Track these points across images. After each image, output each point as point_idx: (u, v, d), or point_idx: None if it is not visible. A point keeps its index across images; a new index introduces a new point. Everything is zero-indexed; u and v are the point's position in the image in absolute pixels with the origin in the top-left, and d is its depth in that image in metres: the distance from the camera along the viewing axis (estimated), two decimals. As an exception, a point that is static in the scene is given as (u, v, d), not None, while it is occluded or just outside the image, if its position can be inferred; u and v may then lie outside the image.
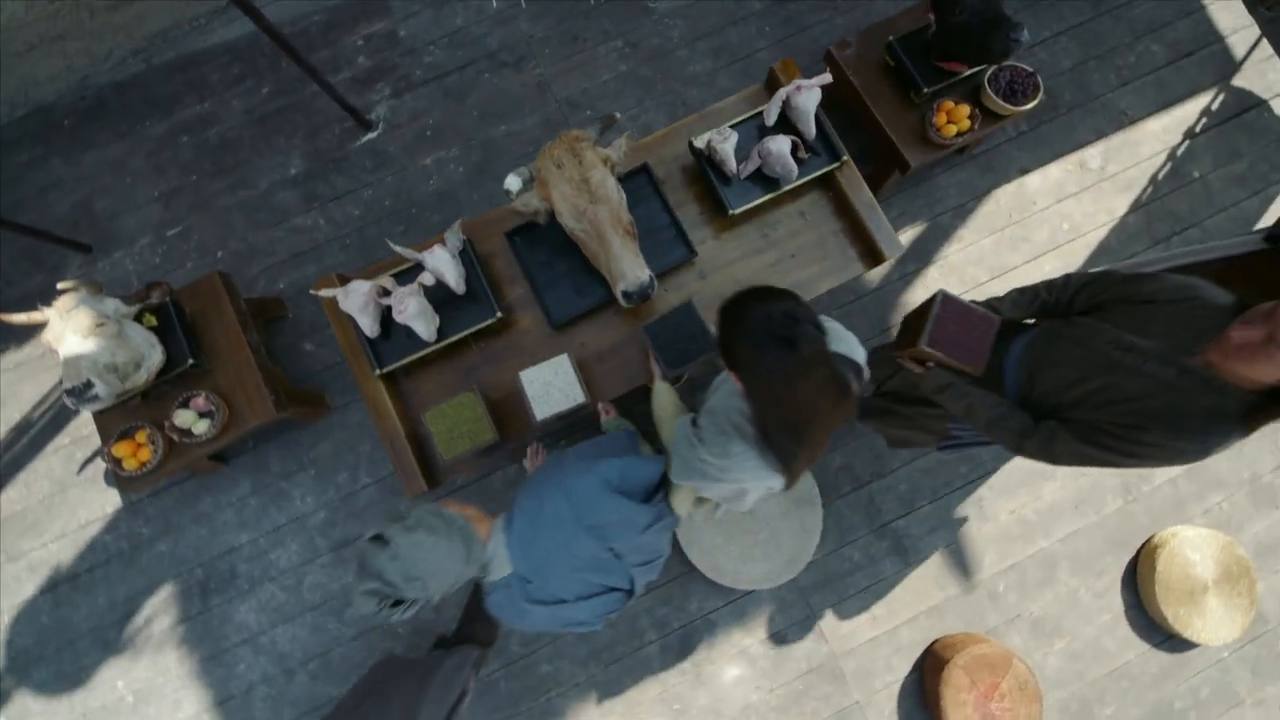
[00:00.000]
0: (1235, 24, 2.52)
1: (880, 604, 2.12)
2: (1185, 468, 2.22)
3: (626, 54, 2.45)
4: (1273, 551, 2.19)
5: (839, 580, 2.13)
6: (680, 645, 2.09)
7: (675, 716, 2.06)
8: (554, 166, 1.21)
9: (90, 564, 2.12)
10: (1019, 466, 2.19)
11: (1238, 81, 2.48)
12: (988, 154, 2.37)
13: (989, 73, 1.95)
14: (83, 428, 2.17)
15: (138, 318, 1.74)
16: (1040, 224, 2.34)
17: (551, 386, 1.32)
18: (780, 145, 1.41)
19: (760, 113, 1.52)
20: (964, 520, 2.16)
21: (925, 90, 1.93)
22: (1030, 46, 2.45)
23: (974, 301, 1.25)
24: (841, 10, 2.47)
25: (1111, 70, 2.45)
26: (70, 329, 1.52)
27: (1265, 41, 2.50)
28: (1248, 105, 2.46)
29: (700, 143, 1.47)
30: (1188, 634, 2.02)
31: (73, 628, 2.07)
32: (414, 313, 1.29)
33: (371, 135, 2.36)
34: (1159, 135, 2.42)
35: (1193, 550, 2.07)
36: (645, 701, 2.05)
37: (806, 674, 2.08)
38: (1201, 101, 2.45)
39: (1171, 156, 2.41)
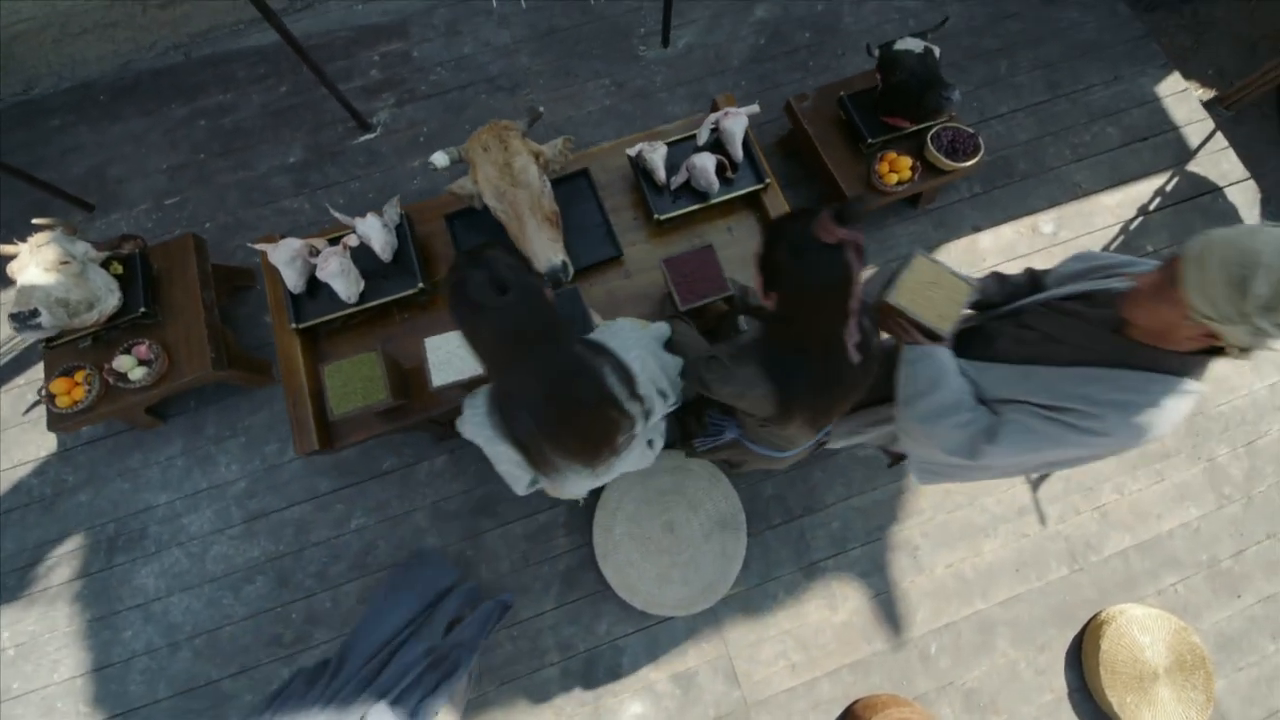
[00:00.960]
0: (1190, 116, 2.67)
1: (801, 651, 1.98)
2: (1138, 542, 2.11)
3: (612, 91, 2.68)
4: (1235, 646, 2.02)
5: (760, 619, 2.01)
6: (584, 671, 1.96)
7: (566, 750, 1.89)
8: (481, 149, 1.32)
9: (10, 505, 2.12)
10: (959, 518, 2.10)
11: (1192, 167, 2.59)
12: (942, 210, 2.47)
13: (933, 131, 2.08)
14: (39, 372, 2.23)
15: (105, 265, 1.85)
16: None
17: (455, 355, 1.35)
18: (705, 161, 1.51)
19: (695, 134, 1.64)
20: (898, 569, 2.05)
21: (870, 141, 2.06)
22: (987, 119, 2.62)
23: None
24: (813, 72, 2.69)
25: (1067, 146, 2.58)
26: (35, 261, 1.63)
27: (1220, 135, 2.64)
28: (1202, 190, 2.55)
29: (633, 152, 1.58)
30: None
31: (-27, 569, 2.03)
32: (335, 270, 1.36)
33: (369, 136, 2.56)
34: (1112, 209, 2.50)
35: (1142, 631, 1.92)
36: (537, 729, 1.90)
37: (714, 720, 1.92)
38: (1156, 182, 2.55)
39: (1125, 230, 2.48)
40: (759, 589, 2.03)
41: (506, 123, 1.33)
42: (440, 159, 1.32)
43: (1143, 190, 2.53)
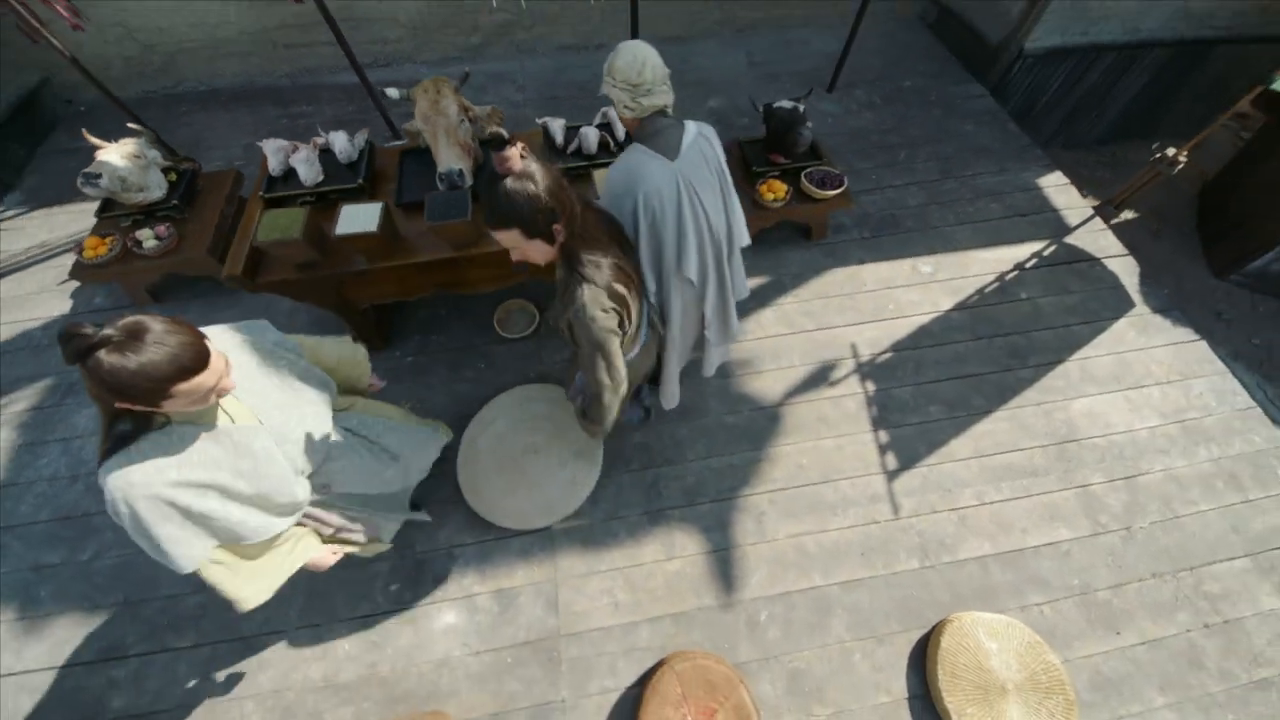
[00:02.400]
0: (1070, 204, 3.09)
1: (629, 592, 1.94)
2: (998, 552, 2.03)
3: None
4: (1114, 689, 1.80)
5: (595, 553, 2.02)
6: (412, 573, 1.99)
7: (369, 647, 1.85)
8: (422, 91, 1.90)
9: (12, 347, 2.56)
10: (810, 492, 2.13)
11: (1071, 240, 2.93)
12: (832, 245, 2.88)
13: (808, 170, 2.59)
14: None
15: (165, 172, 2.52)
16: (868, 300, 2.67)
17: (358, 218, 1.79)
18: (589, 131, 2.05)
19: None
20: (741, 531, 2.05)
21: (755, 169, 2.59)
22: (883, 188, 3.14)
23: None
24: (737, 132, 3.35)
25: (952, 214, 3.02)
26: (117, 149, 2.29)
27: (1099, 219, 3.01)
28: (1079, 258, 2.86)
29: (540, 122, 2.15)
30: None
31: (-43, 387, 2.41)
32: (301, 159, 1.90)
33: (399, 142, 3.36)
34: (988, 261, 2.83)
35: (989, 636, 1.79)
36: (348, 621, 1.89)
37: (521, 646, 1.85)
38: (1033, 247, 2.89)
39: (1000, 279, 2.77)
40: (602, 525, 2.07)
41: (443, 78, 1.93)
42: (393, 92, 1.91)
43: (1020, 252, 2.87)
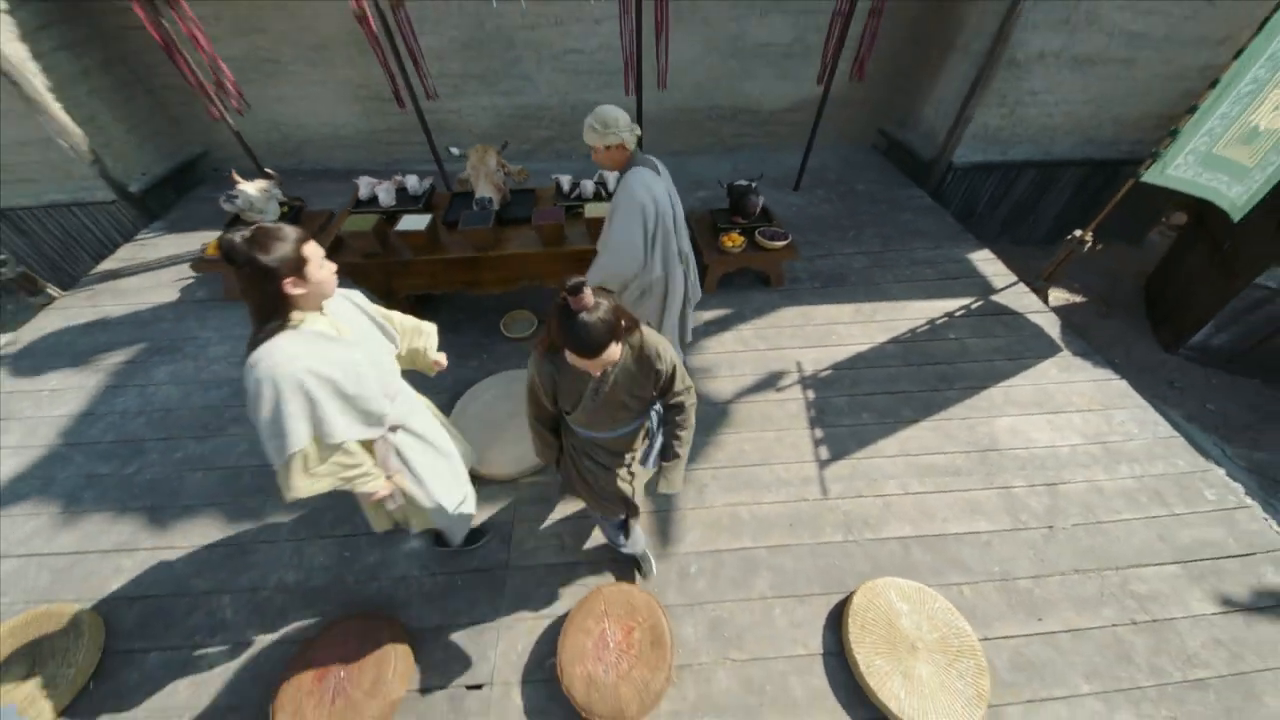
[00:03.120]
0: (997, 273, 3.61)
1: (574, 538, 2.15)
2: (919, 534, 2.17)
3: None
4: (1037, 672, 1.82)
5: (550, 503, 2.27)
6: (392, 508, 2.28)
7: (341, 562, 2.09)
8: (474, 151, 2.73)
9: (123, 319, 3.26)
10: (749, 472, 2.38)
11: (997, 298, 3.40)
12: (789, 291, 3.44)
13: (760, 228, 3.28)
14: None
15: (280, 204, 3.42)
16: (815, 331, 3.13)
17: (413, 223, 2.49)
18: (587, 183, 2.82)
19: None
20: (684, 498, 2.29)
21: (720, 226, 3.30)
22: (833, 254, 3.78)
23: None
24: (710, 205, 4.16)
25: (891, 274, 3.59)
26: (252, 184, 3.20)
27: (1023, 284, 3.50)
28: (1005, 312, 3.30)
29: (553, 177, 2.95)
30: (887, 701, 1.68)
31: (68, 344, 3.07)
32: (383, 189, 2.70)
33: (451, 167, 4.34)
34: (923, 309, 3.29)
35: (901, 598, 1.91)
36: (329, 538, 2.16)
37: (473, 572, 2.05)
38: (963, 301, 3.36)
39: (931, 323, 3.21)
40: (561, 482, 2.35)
41: (489, 145, 2.77)
42: (455, 150, 2.75)
43: (950, 304, 3.34)
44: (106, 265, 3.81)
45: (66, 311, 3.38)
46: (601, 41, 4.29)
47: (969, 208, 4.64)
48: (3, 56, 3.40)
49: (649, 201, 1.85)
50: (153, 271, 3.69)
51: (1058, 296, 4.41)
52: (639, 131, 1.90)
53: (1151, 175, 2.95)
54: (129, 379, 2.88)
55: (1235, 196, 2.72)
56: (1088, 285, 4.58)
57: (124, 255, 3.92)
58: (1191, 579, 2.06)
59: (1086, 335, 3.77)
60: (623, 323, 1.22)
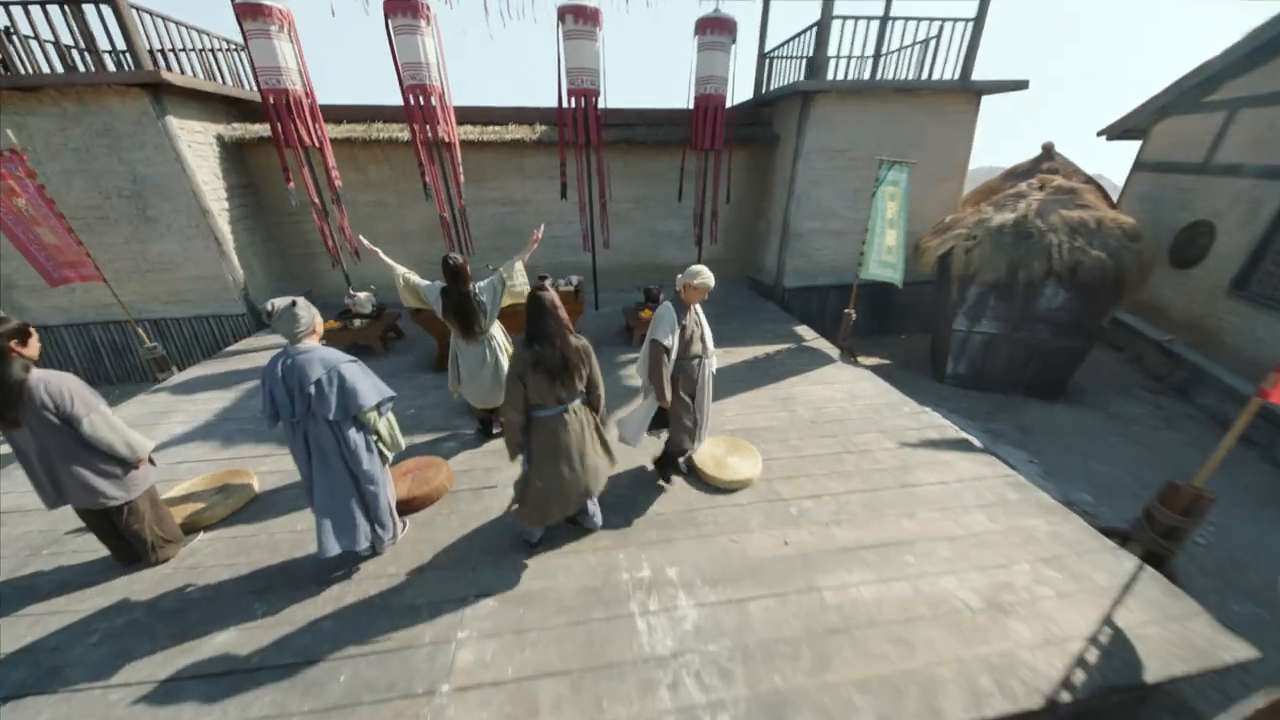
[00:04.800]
0: (810, 335, 5.92)
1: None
2: (744, 427, 3.86)
3: (568, 316, 6.70)
4: (794, 467, 3.40)
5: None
6: (440, 421, 3.83)
7: (428, 439, 3.56)
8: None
9: (251, 374, 4.98)
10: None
11: (806, 345, 5.61)
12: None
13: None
14: (304, 344, 5.60)
15: (374, 305, 5.57)
16: (698, 358, 5.18)
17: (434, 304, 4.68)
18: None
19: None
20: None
21: (639, 308, 5.63)
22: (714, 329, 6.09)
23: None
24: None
25: (748, 335, 5.84)
26: (362, 293, 5.41)
27: (824, 340, 5.78)
28: (808, 349, 5.48)
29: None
30: (727, 478, 3.20)
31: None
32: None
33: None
34: (763, 349, 5.44)
35: (731, 449, 3.54)
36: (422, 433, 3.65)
37: (494, 453, 3.55)
38: (787, 346, 5.56)
39: (768, 355, 5.32)
40: (540, 419, 3.98)
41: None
42: (490, 268, 5.09)
43: (779, 348, 5.53)
44: (234, 348, 5.66)
45: (209, 364, 5.08)
46: (572, 230, 7.28)
47: (806, 317, 7.27)
48: (219, 228, 5.88)
49: (667, 318, 2.76)
50: (270, 350, 5.55)
51: (868, 361, 6.73)
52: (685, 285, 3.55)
53: (862, 275, 5.57)
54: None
55: (896, 278, 5.29)
56: (894, 355, 6.99)
57: (244, 344, 5.80)
58: (887, 437, 3.77)
59: (894, 379, 5.93)
60: (561, 306, 3.28)
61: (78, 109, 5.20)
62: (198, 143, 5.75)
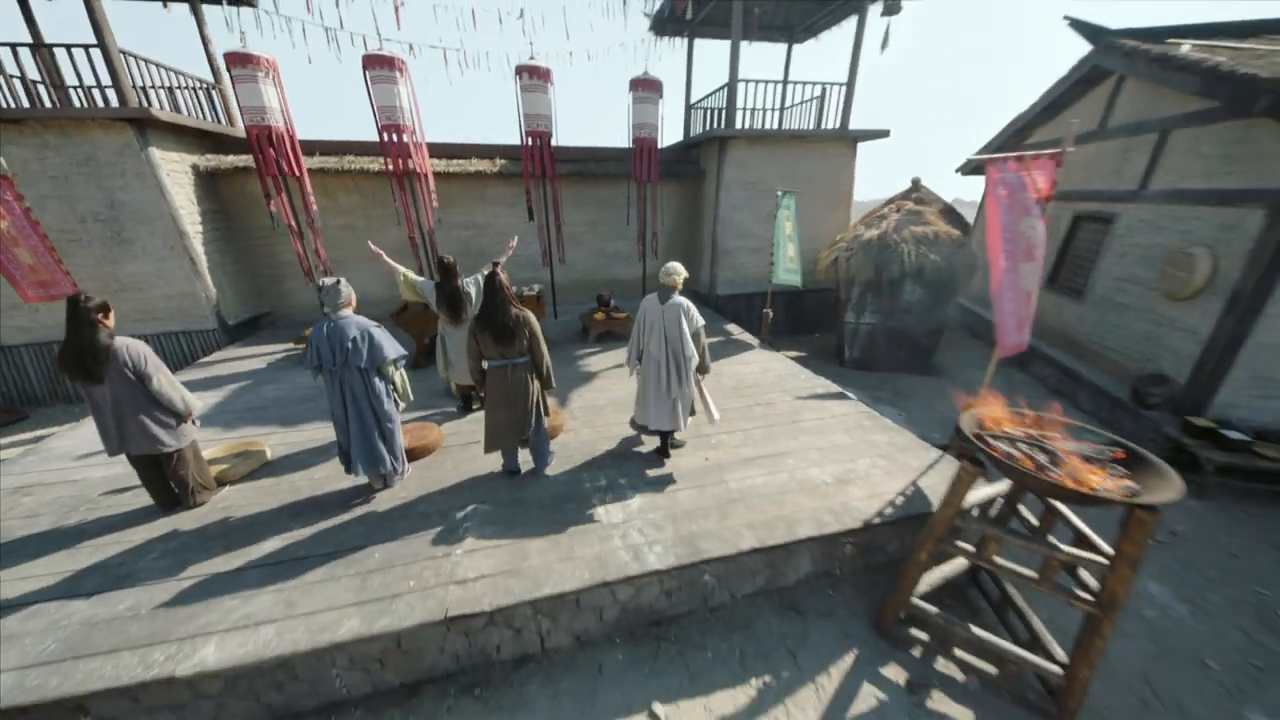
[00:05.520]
0: (737, 330, 7.09)
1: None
2: (680, 395, 4.85)
3: (529, 324, 7.53)
4: (720, 425, 4.40)
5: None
6: (436, 396, 4.52)
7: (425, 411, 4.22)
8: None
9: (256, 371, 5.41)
10: (629, 391, 5.01)
11: (734, 338, 6.76)
12: (632, 340, 6.58)
13: (615, 310, 6.60)
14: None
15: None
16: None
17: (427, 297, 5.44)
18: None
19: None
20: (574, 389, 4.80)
21: (594, 310, 6.58)
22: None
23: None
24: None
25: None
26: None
27: (748, 334, 6.96)
28: (735, 342, 6.62)
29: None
30: None
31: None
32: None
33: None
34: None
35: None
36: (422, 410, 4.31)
37: (476, 422, 4.30)
38: (718, 339, 6.67)
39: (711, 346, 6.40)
40: (511, 396, 4.78)
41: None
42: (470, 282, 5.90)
43: (714, 340, 6.63)
44: (208, 359, 6.00)
45: (188, 372, 5.45)
46: (533, 250, 8.18)
47: (737, 317, 8.52)
48: (195, 249, 6.29)
49: (639, 312, 3.68)
50: (246, 360, 5.96)
51: (789, 354, 8.00)
52: (662, 279, 4.92)
53: (773, 281, 6.85)
54: (248, 390, 4.96)
55: (798, 281, 6.61)
56: (809, 348, 8.32)
57: (216, 357, 6.15)
58: (785, 395, 4.87)
59: (807, 366, 7.15)
60: (511, 290, 4.19)
61: (59, 140, 5.58)
62: (175, 171, 6.21)
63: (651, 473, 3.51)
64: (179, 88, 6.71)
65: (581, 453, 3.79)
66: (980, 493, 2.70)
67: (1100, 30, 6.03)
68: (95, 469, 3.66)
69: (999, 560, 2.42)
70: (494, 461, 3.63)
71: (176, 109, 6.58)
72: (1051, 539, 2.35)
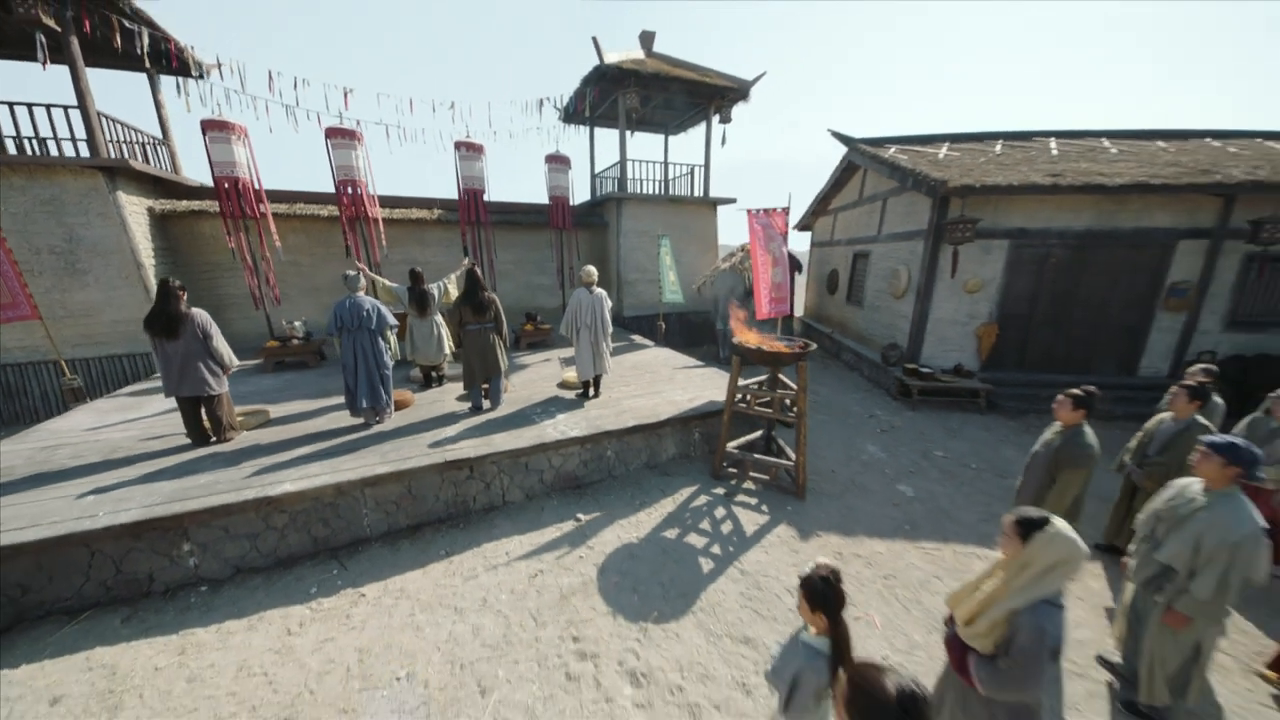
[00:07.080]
0: (647, 342, 9.13)
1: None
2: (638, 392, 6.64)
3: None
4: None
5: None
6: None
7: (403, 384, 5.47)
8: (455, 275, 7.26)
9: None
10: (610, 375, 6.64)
11: (648, 350, 8.78)
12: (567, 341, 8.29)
13: (543, 323, 8.32)
14: (238, 366, 6.83)
15: (305, 336, 7.16)
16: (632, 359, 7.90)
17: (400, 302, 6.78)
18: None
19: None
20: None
21: (523, 326, 8.24)
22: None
23: None
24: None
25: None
26: (297, 324, 7.04)
27: (655, 345, 9.01)
28: (648, 347, 8.63)
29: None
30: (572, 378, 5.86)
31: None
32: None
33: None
34: (619, 350, 8.44)
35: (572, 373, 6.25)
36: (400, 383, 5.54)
37: (438, 390, 5.67)
38: (636, 350, 8.64)
39: (627, 350, 8.32)
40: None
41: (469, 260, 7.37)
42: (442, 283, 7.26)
43: (621, 344, 8.58)
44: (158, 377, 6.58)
45: (143, 384, 6.08)
46: (463, 282, 9.70)
47: (641, 332, 10.63)
48: (150, 280, 6.98)
49: (574, 300, 6.43)
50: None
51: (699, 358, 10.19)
52: (584, 279, 6.78)
53: (663, 301, 9.10)
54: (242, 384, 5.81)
55: (681, 300, 8.91)
56: (701, 356, 10.60)
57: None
58: (666, 368, 6.87)
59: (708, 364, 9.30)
60: (483, 278, 5.89)
61: (25, 182, 6.25)
62: (135, 212, 7.00)
63: (573, 407, 5.19)
64: (136, 142, 7.59)
65: (523, 401, 5.37)
66: (748, 381, 4.81)
67: (849, 139, 9.50)
68: (112, 433, 4.44)
69: (757, 407, 4.48)
70: (457, 408, 5.05)
71: (136, 159, 7.43)
72: (778, 391, 4.46)
